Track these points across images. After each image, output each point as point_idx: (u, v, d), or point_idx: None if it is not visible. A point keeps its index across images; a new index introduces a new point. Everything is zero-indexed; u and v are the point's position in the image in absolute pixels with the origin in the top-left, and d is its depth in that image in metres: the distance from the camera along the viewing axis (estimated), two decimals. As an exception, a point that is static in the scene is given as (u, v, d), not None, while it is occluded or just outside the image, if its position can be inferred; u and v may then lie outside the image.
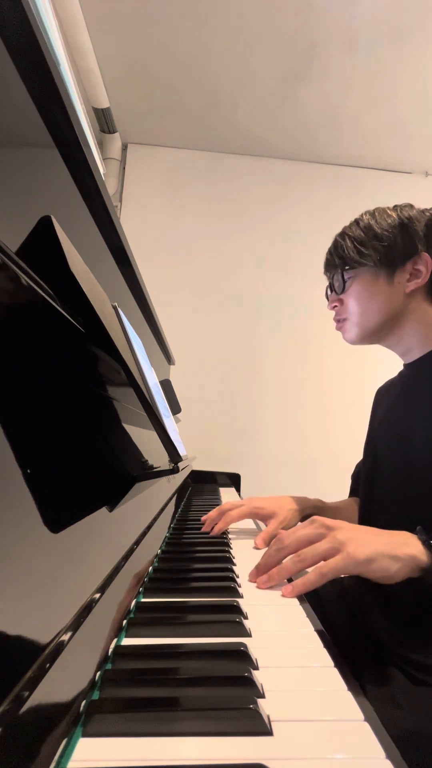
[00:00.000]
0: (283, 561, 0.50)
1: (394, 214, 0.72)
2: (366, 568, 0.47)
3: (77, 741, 0.23)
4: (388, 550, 0.48)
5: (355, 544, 0.47)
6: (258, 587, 0.49)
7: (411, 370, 0.77)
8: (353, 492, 0.94)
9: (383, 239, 0.71)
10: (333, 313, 0.81)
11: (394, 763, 0.23)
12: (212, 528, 0.76)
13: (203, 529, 0.77)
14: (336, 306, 0.79)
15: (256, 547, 0.69)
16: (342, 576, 0.85)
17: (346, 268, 0.75)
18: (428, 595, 0.52)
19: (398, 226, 0.71)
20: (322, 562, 0.47)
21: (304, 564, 0.49)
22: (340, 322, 0.80)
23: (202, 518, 0.78)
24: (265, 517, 0.77)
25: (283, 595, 0.47)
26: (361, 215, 0.75)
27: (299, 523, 0.81)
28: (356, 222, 0.75)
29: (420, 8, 1.76)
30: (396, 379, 0.84)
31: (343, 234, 0.76)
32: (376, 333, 0.75)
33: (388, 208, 0.74)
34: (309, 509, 0.83)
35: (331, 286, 0.80)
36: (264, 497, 0.81)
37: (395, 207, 0.74)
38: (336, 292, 0.78)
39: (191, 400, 2.13)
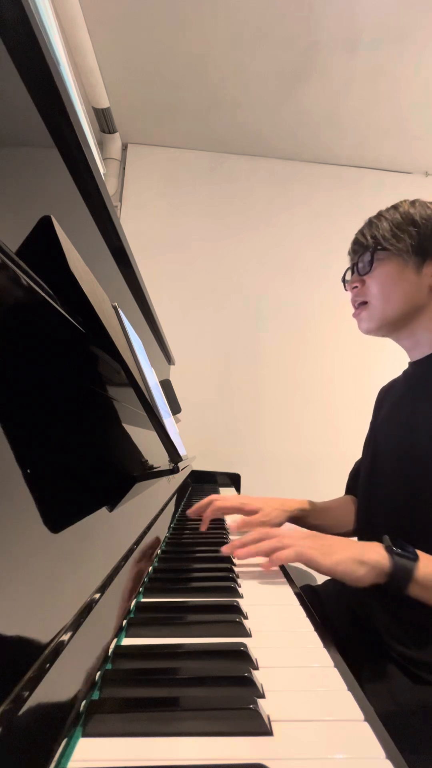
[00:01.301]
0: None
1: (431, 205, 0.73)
2: (334, 571, 0.53)
3: (77, 741, 0.23)
4: (353, 555, 0.54)
5: (327, 549, 0.54)
6: (236, 555, 0.56)
7: (416, 368, 0.76)
8: (349, 490, 0.95)
9: (420, 227, 0.71)
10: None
11: (394, 763, 0.23)
12: (208, 525, 0.78)
13: (189, 513, 0.81)
14: (357, 287, 0.77)
15: (228, 528, 0.75)
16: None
17: (379, 248, 0.73)
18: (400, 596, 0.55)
19: None
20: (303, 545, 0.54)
21: (281, 541, 0.55)
22: (358, 307, 0.78)
23: (188, 511, 0.81)
24: (250, 512, 0.79)
25: (263, 567, 0.55)
26: (401, 203, 0.75)
27: (286, 523, 0.83)
28: (395, 207, 0.75)
29: (420, 8, 1.76)
30: (400, 378, 0.84)
31: (379, 216, 0.75)
32: (395, 323, 0.74)
33: (429, 202, 0.74)
34: (296, 511, 0.84)
35: (353, 268, 0.78)
36: (254, 497, 0.83)
37: None
38: (359, 273, 0.76)
39: (191, 400, 2.13)
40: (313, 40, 1.91)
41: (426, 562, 0.54)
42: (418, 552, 0.54)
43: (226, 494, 1.34)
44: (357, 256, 0.77)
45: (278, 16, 1.81)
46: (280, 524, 0.80)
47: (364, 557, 0.53)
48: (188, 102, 2.27)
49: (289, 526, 0.80)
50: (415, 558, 0.53)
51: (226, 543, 0.69)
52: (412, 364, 0.78)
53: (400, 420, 0.75)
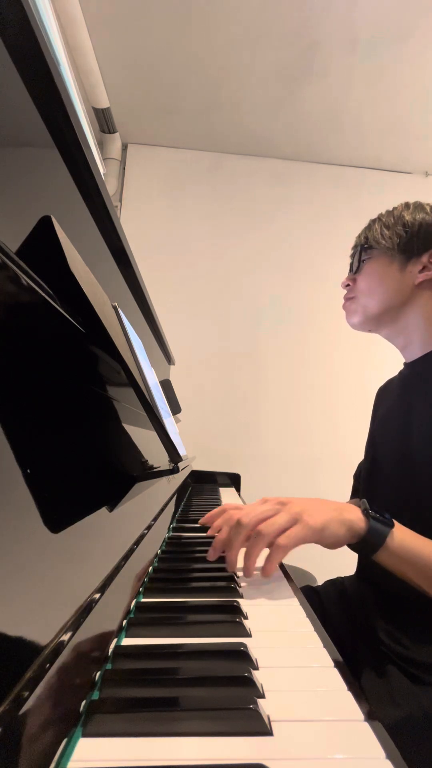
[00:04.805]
0: (247, 543, 0.51)
1: (429, 209, 0.75)
2: (321, 535, 0.51)
3: (77, 741, 0.23)
4: (336, 516, 0.52)
5: (309, 514, 0.51)
6: (246, 575, 0.50)
7: (411, 369, 0.77)
8: (355, 492, 0.94)
9: (409, 226, 0.74)
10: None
11: (394, 763, 0.23)
12: (213, 528, 0.74)
13: (201, 522, 0.76)
14: (349, 285, 0.82)
15: None
16: (342, 577, 0.85)
17: (366, 246, 0.77)
18: (367, 563, 0.54)
19: (430, 222, 0.74)
20: (283, 535, 0.50)
21: (266, 539, 0.50)
22: (347, 301, 0.82)
23: (200, 521, 0.77)
24: None
25: (265, 575, 0.50)
26: (398, 205, 0.78)
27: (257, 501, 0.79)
28: (391, 210, 0.78)
29: (420, 8, 1.76)
30: (396, 378, 0.84)
31: (377, 218, 0.79)
32: (379, 318, 0.77)
33: (427, 204, 0.77)
34: None
35: (351, 266, 0.83)
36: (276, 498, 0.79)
37: None
38: (351, 271, 0.81)
39: (191, 400, 2.13)
40: (313, 40, 1.91)
41: (401, 532, 0.54)
42: (395, 521, 0.55)
43: (229, 496, 1.33)
44: (351, 256, 0.82)
45: (278, 16, 1.81)
46: None
47: (343, 516, 0.53)
48: (188, 102, 2.27)
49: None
50: (391, 525, 0.54)
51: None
52: (407, 365, 0.79)
53: (396, 421, 0.75)
